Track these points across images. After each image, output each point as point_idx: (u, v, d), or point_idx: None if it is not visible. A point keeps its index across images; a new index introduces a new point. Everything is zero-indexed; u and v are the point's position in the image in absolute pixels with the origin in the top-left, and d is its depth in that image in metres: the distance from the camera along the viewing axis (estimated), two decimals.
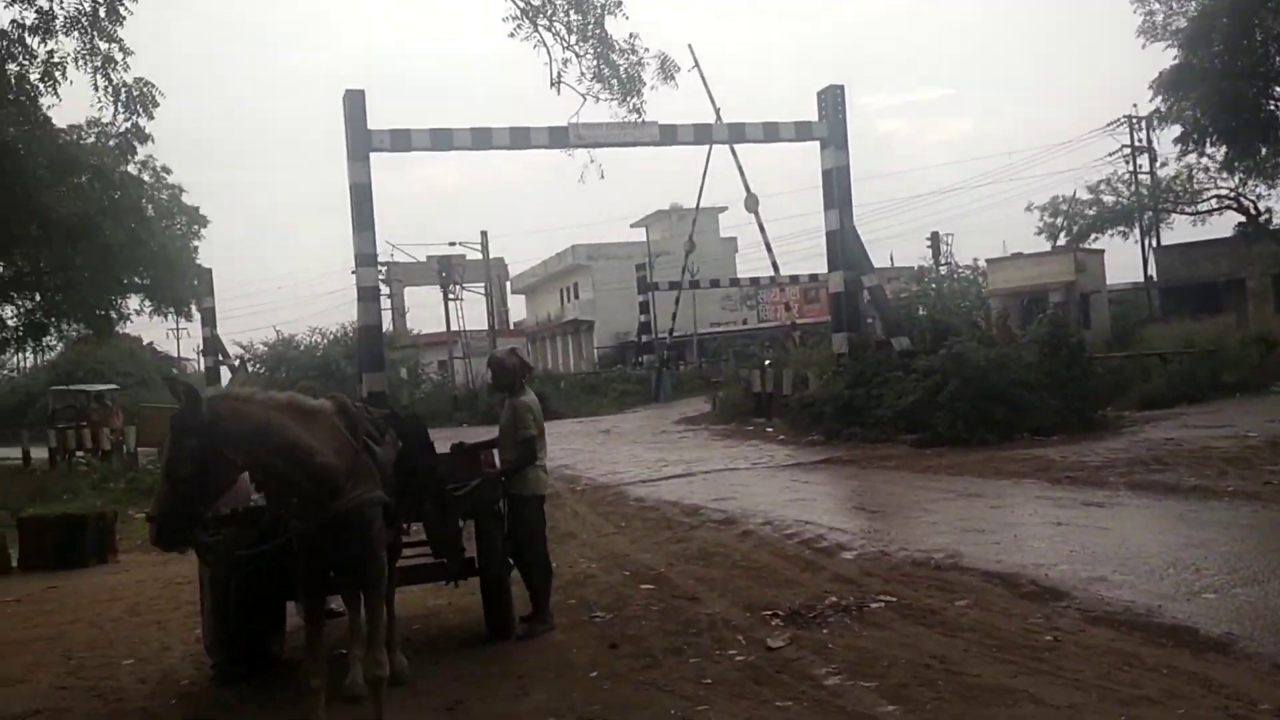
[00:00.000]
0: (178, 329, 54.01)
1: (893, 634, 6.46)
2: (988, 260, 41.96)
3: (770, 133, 19.55)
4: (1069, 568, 7.64)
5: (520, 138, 18.46)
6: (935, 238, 43.15)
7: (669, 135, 19.29)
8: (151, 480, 20.02)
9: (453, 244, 50.30)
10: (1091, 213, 36.48)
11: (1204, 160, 33.75)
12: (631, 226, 73.54)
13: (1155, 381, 20.46)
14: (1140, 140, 44.02)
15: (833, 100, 19.86)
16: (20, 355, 41.20)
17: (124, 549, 13.87)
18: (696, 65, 35.74)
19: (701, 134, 19.31)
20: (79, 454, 26.58)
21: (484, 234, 51.83)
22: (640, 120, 9.39)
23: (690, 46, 38.63)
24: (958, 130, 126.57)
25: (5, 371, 49.81)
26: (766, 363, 26.66)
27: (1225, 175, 33.54)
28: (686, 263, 46.02)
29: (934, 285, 46.23)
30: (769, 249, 37.82)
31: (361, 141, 17.72)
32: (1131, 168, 41.85)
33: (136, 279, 26.61)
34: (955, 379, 16.32)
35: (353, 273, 19.98)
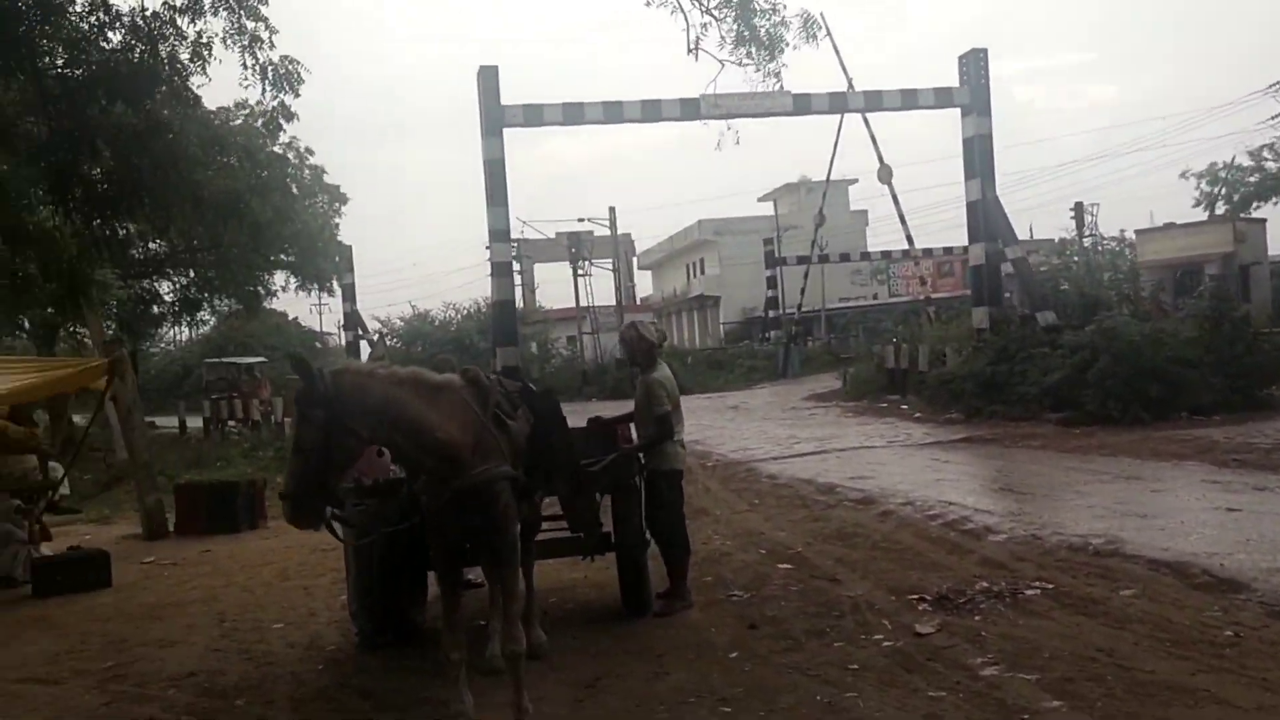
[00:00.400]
0: (320, 305, 55.98)
1: (1052, 624, 6.10)
2: (1137, 231, 39.92)
3: (908, 100, 18.89)
4: (1246, 557, 7.11)
5: (651, 110, 18.30)
6: (1079, 208, 41.23)
7: (803, 104, 18.84)
8: None
9: (581, 220, 50.71)
10: (1254, 179, 34.31)
11: None
12: (759, 200, 72.85)
13: None
14: None
15: (975, 65, 19.07)
16: (176, 329, 43.27)
17: (273, 515, 14.38)
18: (829, 34, 34.86)
19: (836, 102, 18.79)
20: (230, 423, 27.82)
21: (612, 210, 52.06)
22: (776, 88, 9.07)
23: (822, 15, 37.63)
24: (1100, 96, 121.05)
25: (162, 345, 52.47)
26: (898, 339, 25.92)
27: None
28: (816, 236, 45.20)
29: (1076, 258, 44.41)
30: (903, 221, 36.81)
31: (495, 117, 17.84)
32: None
33: (283, 255, 27.64)
34: (1106, 355, 15.49)
35: (487, 248, 20.20)
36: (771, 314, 50.30)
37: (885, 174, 35.06)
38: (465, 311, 42.64)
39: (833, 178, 68.30)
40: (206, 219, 10.05)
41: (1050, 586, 6.94)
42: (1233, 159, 37.20)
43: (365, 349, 40.51)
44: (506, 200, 17.99)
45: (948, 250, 43.17)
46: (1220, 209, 35.30)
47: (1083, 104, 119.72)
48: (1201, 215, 36.61)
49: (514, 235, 65.90)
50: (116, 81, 9.20)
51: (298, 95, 10.47)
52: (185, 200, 9.49)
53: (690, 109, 18.33)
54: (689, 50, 9.07)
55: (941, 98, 19.10)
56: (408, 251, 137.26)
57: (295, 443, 4.65)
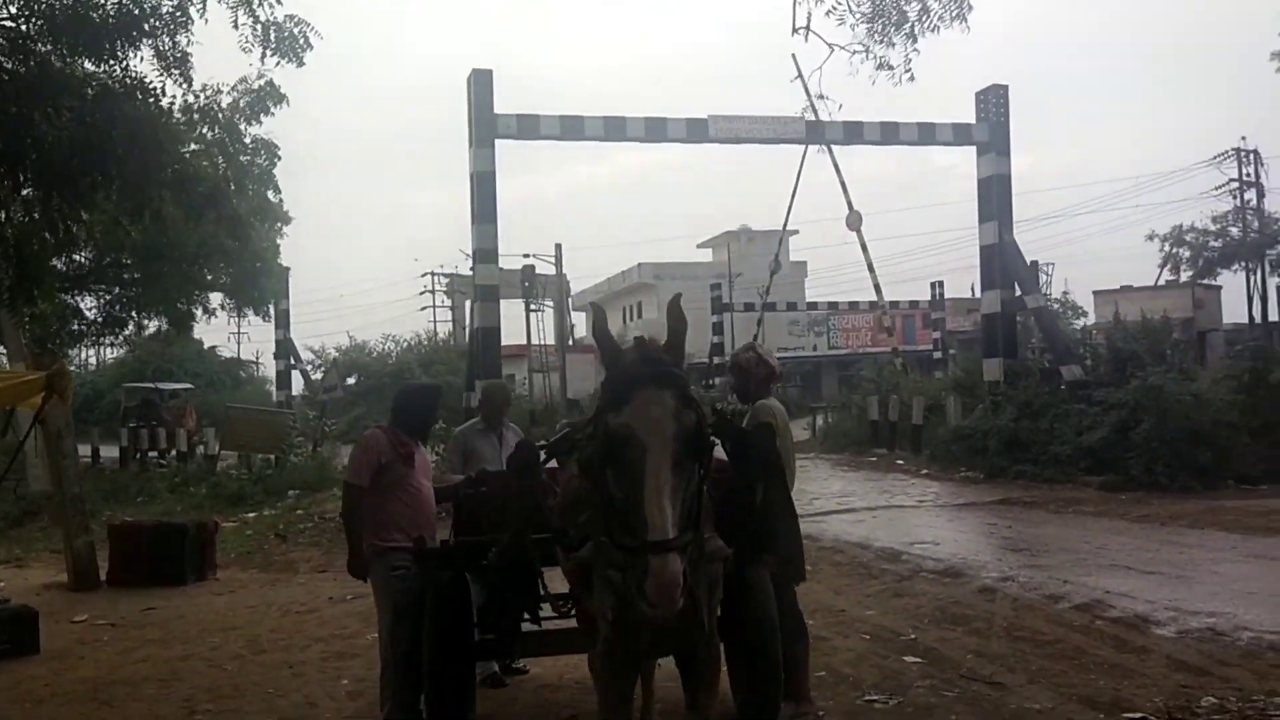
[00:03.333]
0: (239, 332, 52.87)
1: None
2: (1094, 292, 39.73)
3: (925, 135, 17.75)
4: None
5: (656, 129, 16.83)
6: (1034, 266, 40.87)
7: (815, 133, 17.62)
8: (238, 487, 18.58)
9: (527, 256, 49.11)
10: (1218, 244, 34.25)
11: None
12: (698, 247, 72.31)
13: None
14: (1249, 174, 42.03)
15: (995, 102, 18.05)
16: (95, 350, 40.27)
17: (224, 565, 12.32)
18: (800, 76, 34.10)
19: (851, 132, 17.52)
20: (152, 454, 25.30)
21: (558, 247, 50.66)
22: (907, 77, 7.59)
23: (794, 56, 36.81)
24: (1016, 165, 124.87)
25: (73, 367, 48.98)
26: (882, 391, 24.66)
27: None
28: (770, 282, 44.29)
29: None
30: (871, 270, 35.84)
31: (487, 126, 16.17)
32: (1239, 202, 39.75)
33: (222, 275, 25.34)
34: (1150, 416, 14.32)
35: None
36: (717, 360, 49.25)
37: (855, 220, 34.12)
38: (405, 343, 40.48)
39: (774, 229, 68.04)
40: (188, 205, 8.16)
41: None
42: (1182, 225, 37.23)
43: (297, 379, 38.12)
44: (495, 217, 16.27)
45: (913, 304, 42.43)
46: (1184, 275, 35.19)
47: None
48: (1168, 277, 36.44)
49: (451, 270, 63.67)
50: (85, 30, 7.38)
51: (303, 63, 8.72)
52: (165, 179, 7.65)
53: (697, 130, 16.94)
54: (795, 30, 7.59)
55: (960, 134, 18.01)
56: (333, 284, 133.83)
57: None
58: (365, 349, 40.43)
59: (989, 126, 18.00)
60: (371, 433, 5.92)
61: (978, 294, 64.91)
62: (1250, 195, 40.26)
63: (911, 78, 7.55)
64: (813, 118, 17.51)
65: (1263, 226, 36.58)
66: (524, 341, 44.25)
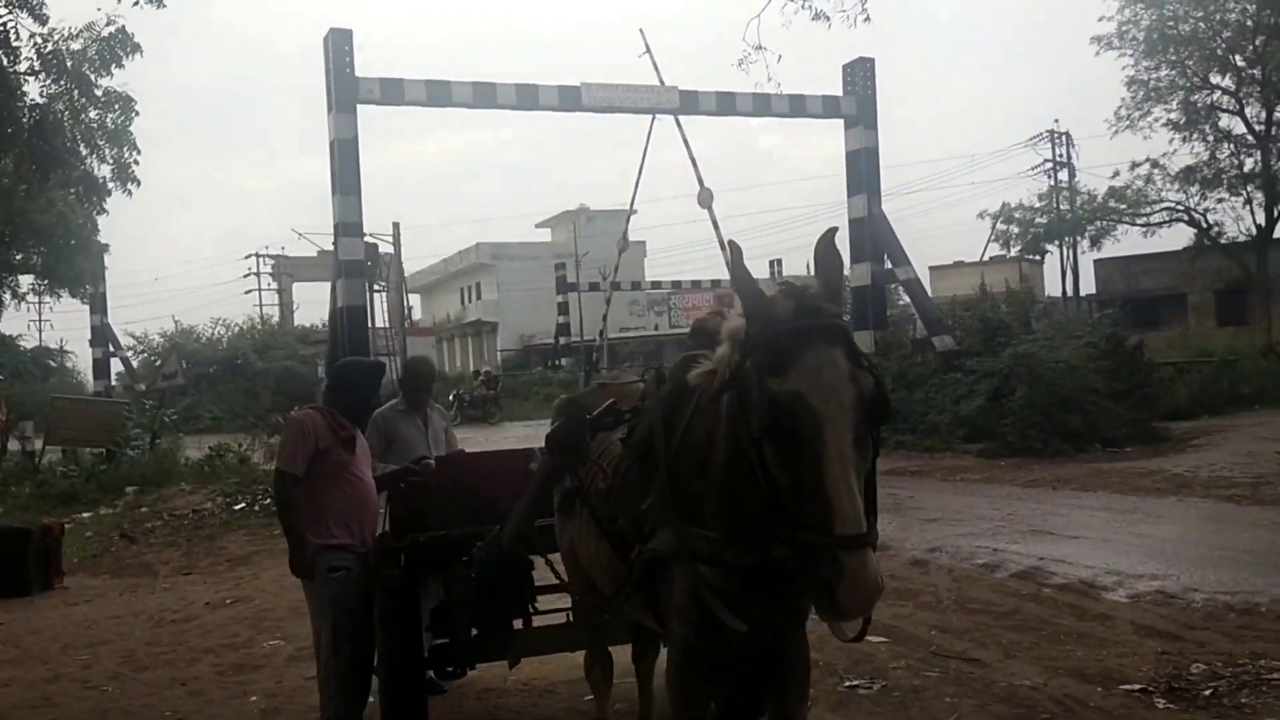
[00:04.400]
0: (40, 320, 48.68)
1: None
2: (931, 268, 41.20)
3: (796, 106, 17.65)
4: None
5: (527, 96, 16.09)
6: None
7: (689, 103, 17.26)
8: (68, 485, 16.86)
9: (366, 235, 47.17)
10: (1043, 220, 35.91)
11: (1155, 173, 33.74)
12: (536, 227, 71.57)
13: (1177, 392, 19.28)
14: (1061, 156, 44.44)
15: (861, 75, 18.11)
16: None
17: (71, 571, 11.01)
18: (648, 51, 33.75)
19: (724, 103, 17.23)
20: None
21: (396, 225, 48.91)
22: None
23: (641, 31, 36.38)
24: (832, 149, 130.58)
25: None
26: None
27: (1177, 186, 33.53)
28: (619, 261, 43.99)
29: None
30: (722, 248, 35.81)
31: (347, 90, 15.07)
32: (1053, 182, 41.94)
33: (33, 255, 23.14)
34: (1023, 384, 14.66)
35: (332, 243, 17.16)
36: (563, 341, 48.78)
37: (706, 197, 34.03)
38: (236, 328, 38.17)
39: (612, 208, 67.84)
40: (34, 153, 7.03)
41: None
42: (1004, 204, 38.89)
43: (117, 367, 35.37)
44: (359, 188, 15.22)
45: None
46: (1015, 249, 36.77)
47: (818, 153, 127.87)
48: (996, 253, 38.03)
49: (276, 250, 60.82)
50: None
51: (163, 5, 7.69)
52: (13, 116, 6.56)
53: (570, 98, 16.30)
54: None
55: (829, 107, 18.00)
56: (154, 263, 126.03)
57: None
58: (193, 335, 37.92)
59: (856, 100, 18.07)
60: (306, 413, 5.15)
61: (814, 272, 66.92)
62: (1064, 176, 42.69)
63: (867, 18, 7.20)
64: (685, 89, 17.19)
65: (1073, 205, 38.61)
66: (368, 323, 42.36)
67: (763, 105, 17.51)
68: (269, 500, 15.28)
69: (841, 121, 18.43)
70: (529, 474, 5.51)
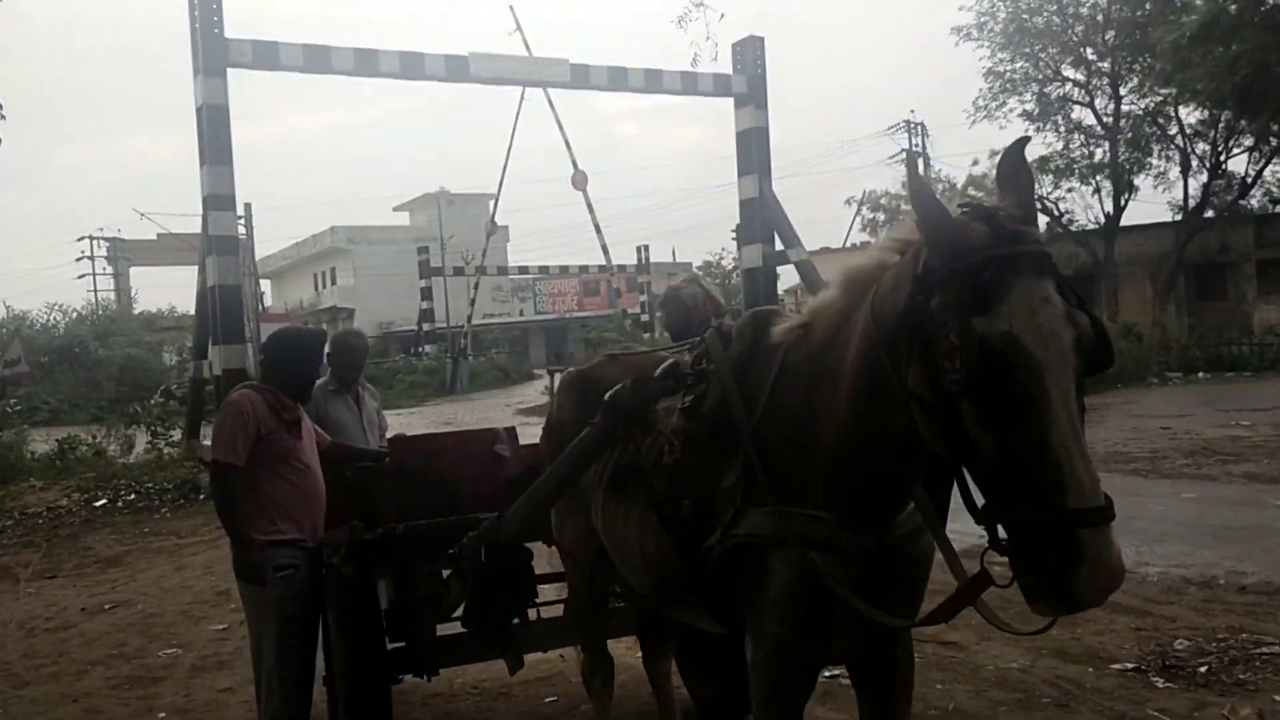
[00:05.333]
0: None
1: None
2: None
3: (688, 84, 17.23)
4: None
5: (413, 65, 15.18)
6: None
7: (580, 77, 16.62)
8: None
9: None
10: (907, 208, 36.91)
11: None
12: (394, 210, 69.94)
13: None
14: (917, 146, 45.82)
15: (751, 54, 17.82)
16: None
17: None
18: (519, 28, 33.03)
19: (616, 78, 16.69)
20: None
21: (248, 206, 46.88)
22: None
23: (511, 8, 35.63)
24: (690, 137, 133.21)
25: None
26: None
27: (1035, 175, 34.83)
28: (487, 245, 43.14)
29: (731, 278, 45.90)
30: (598, 230, 35.43)
31: (216, 52, 13.88)
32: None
33: None
34: None
35: (200, 217, 15.90)
36: (426, 327, 47.63)
37: (580, 179, 33.69)
38: (75, 314, 35.65)
39: (474, 192, 66.73)
40: None
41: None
42: (875, 191, 39.86)
43: None
44: (230, 158, 14.08)
45: (639, 266, 42.62)
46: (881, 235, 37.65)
47: (674, 142, 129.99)
48: (860, 239, 38.82)
49: (113, 233, 57.47)
50: None
51: None
52: None
53: (458, 68, 15.49)
54: None
55: (720, 85, 17.66)
56: None
57: None
58: (27, 321, 35.24)
59: (747, 79, 17.81)
60: (243, 394, 4.49)
61: (679, 258, 66.93)
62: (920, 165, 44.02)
63: None
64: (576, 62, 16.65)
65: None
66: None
67: (655, 81, 17.07)
68: (134, 496, 14.14)
69: (731, 101, 18.16)
70: (496, 457, 5.00)
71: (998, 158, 2.34)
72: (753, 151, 18.13)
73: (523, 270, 51.63)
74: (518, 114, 37.24)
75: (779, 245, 18.05)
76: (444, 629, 4.59)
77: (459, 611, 4.18)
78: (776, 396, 2.70)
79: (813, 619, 2.63)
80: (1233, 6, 16.28)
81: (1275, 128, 29.90)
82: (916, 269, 2.24)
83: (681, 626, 3.90)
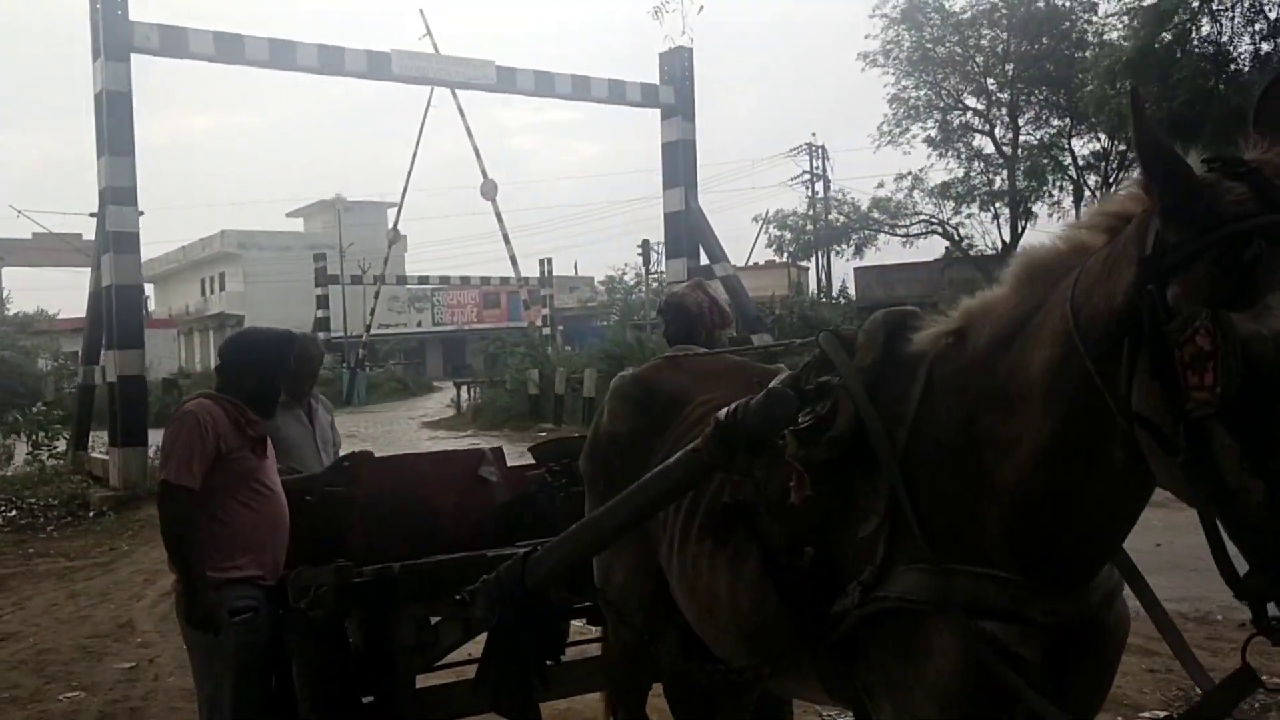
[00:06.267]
0: None
1: None
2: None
3: (615, 92, 16.96)
4: None
5: (332, 60, 14.51)
6: (646, 245, 42.21)
7: (507, 80, 16.19)
8: None
9: (94, 215, 42.69)
10: (811, 228, 37.23)
11: (915, 187, 35.69)
12: (288, 216, 68.02)
13: None
14: (818, 168, 46.42)
15: (679, 65, 17.62)
16: None
17: None
18: (428, 33, 32.23)
19: (543, 83, 16.28)
20: None
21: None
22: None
23: (421, 11, 34.60)
24: (586, 151, 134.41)
25: None
26: (542, 366, 23.77)
27: (934, 200, 35.58)
28: (389, 254, 42.02)
29: (635, 293, 45.67)
30: (507, 241, 34.62)
31: (119, 36, 12.99)
32: (810, 192, 43.72)
33: None
34: None
35: (91, 215, 14.89)
36: (322, 336, 46.13)
37: (490, 189, 32.96)
38: None
39: (372, 200, 65.17)
40: None
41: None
42: (783, 210, 40.17)
43: None
44: (133, 148, 13.18)
45: (542, 279, 41.93)
46: (788, 254, 37.92)
47: (572, 157, 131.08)
48: (766, 258, 38.99)
49: None
50: None
51: None
52: None
53: (380, 65, 14.87)
54: None
55: (648, 95, 17.41)
56: None
57: None
58: None
59: (675, 90, 17.58)
60: (200, 404, 3.86)
61: (582, 272, 66.28)
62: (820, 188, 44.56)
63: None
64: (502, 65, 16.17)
65: (826, 215, 40.31)
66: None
67: (582, 88, 16.74)
68: (14, 512, 13.00)
69: (653, 113, 17.90)
70: (481, 482, 4.43)
71: (1259, 94, 1.78)
72: (679, 164, 17.92)
73: (423, 280, 50.51)
74: (424, 119, 36.36)
75: (704, 260, 17.83)
76: (423, 679, 4.03)
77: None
78: (925, 419, 2.16)
79: (990, 708, 2.05)
80: (1165, 35, 16.71)
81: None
82: (1143, 248, 1.69)
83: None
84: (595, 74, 16.78)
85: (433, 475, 4.31)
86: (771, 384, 2.46)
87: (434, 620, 3.72)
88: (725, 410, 2.38)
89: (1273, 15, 17.56)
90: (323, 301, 45.65)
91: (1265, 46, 18.14)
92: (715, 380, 3.04)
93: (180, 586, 3.73)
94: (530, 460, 4.63)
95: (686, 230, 17.65)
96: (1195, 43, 17.76)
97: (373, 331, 51.07)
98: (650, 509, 2.69)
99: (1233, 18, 17.76)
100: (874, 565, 2.15)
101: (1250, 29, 18.35)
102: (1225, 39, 18.13)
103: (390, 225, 43.45)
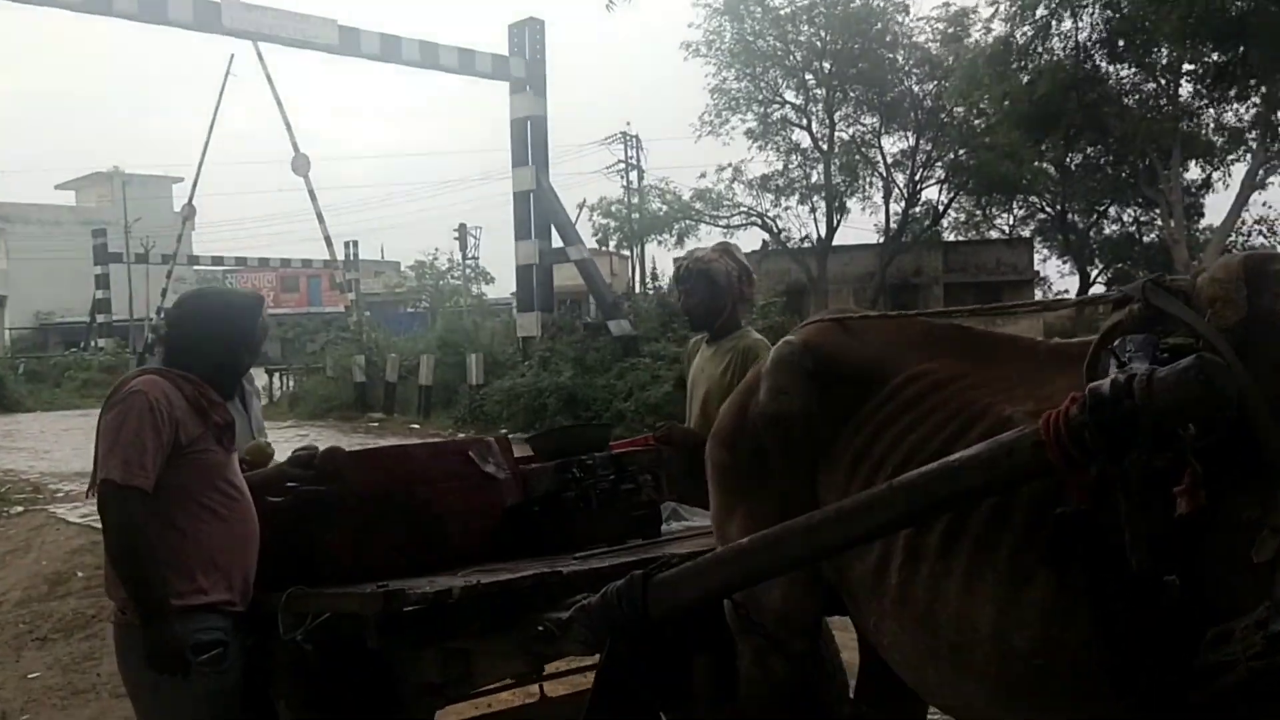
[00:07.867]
0: None
1: None
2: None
3: (465, 62, 16.02)
4: None
5: (153, 8, 12.95)
6: (463, 229, 40.97)
7: (350, 42, 14.99)
8: None
9: None
10: (636, 217, 37.01)
11: (736, 178, 36.11)
12: (57, 188, 62.76)
13: None
14: (633, 158, 46.41)
15: (531, 37, 16.82)
16: None
17: None
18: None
19: (389, 48, 15.16)
20: None
21: None
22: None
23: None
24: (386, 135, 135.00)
25: None
26: (369, 352, 22.42)
27: (754, 192, 36.11)
28: (183, 231, 39.04)
29: (454, 278, 44.34)
30: (321, 220, 32.37)
31: None
32: (625, 182, 43.68)
33: None
34: None
35: None
36: (101, 319, 42.56)
37: (302, 164, 30.74)
38: None
39: (158, 174, 60.86)
40: None
41: None
42: (608, 198, 39.86)
43: None
44: None
45: (348, 261, 39.85)
46: (613, 242, 37.56)
47: (369, 139, 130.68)
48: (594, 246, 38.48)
49: None
50: None
51: None
52: None
53: (208, 15, 13.40)
54: None
55: (498, 67, 16.54)
56: None
57: None
58: None
59: (525, 63, 16.77)
60: (151, 381, 2.92)
61: (388, 256, 64.18)
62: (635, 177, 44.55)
63: None
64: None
65: (641, 205, 40.33)
66: None
67: (430, 56, 15.74)
68: None
69: (507, 86, 17.07)
70: (487, 479, 3.63)
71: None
72: (529, 141, 17.16)
73: (217, 261, 47.44)
74: (223, 85, 33.73)
75: (557, 242, 17.15)
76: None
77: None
78: None
79: None
80: (1021, 32, 17.32)
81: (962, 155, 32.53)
82: None
83: None
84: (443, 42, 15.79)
85: (430, 472, 3.48)
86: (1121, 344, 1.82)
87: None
88: (1106, 384, 1.69)
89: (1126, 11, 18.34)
90: (103, 281, 42.17)
91: (1120, 43, 18.99)
92: (923, 349, 2.41)
93: (132, 616, 2.81)
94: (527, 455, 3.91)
95: (538, 210, 16.90)
96: (1057, 38, 18.50)
97: (152, 316, 47.54)
98: (905, 522, 2.02)
99: (1092, 14, 18.57)
100: (1273, 601, 1.61)
101: (1107, 27, 19.24)
102: (1084, 35, 19.00)
103: (186, 200, 40.27)
